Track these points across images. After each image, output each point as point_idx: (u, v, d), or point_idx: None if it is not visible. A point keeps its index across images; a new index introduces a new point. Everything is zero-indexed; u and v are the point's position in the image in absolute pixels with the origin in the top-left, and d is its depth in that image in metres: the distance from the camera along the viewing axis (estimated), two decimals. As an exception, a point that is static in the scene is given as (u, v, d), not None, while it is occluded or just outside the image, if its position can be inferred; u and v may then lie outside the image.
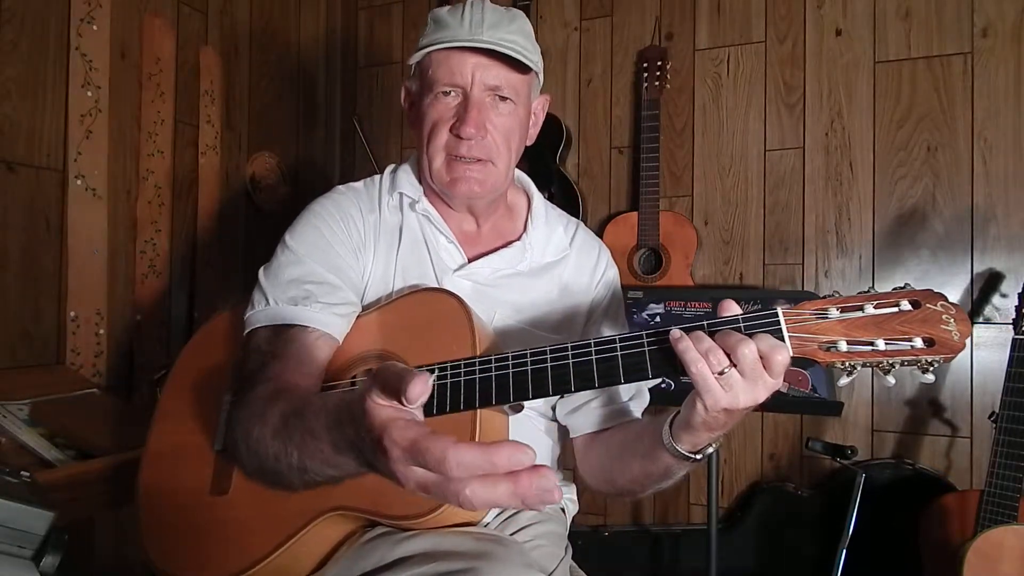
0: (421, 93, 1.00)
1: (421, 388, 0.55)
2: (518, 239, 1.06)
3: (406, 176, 1.06)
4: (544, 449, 1.08)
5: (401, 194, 1.04)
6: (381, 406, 0.58)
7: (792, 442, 2.01)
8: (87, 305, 1.55)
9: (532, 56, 0.98)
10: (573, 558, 1.03)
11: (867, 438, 1.93)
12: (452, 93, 0.96)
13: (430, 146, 0.98)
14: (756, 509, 1.97)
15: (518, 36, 0.97)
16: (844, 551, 1.59)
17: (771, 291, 1.99)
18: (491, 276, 1.03)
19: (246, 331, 0.94)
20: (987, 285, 1.82)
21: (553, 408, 1.07)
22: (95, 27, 1.56)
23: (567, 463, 1.17)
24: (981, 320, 1.82)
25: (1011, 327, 1.49)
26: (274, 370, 0.88)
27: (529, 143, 1.08)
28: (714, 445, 0.81)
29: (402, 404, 0.57)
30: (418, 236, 1.03)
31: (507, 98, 0.97)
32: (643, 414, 1.06)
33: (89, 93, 1.56)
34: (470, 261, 1.03)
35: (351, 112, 2.46)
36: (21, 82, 1.44)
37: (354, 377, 0.94)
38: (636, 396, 1.05)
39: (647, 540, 2.06)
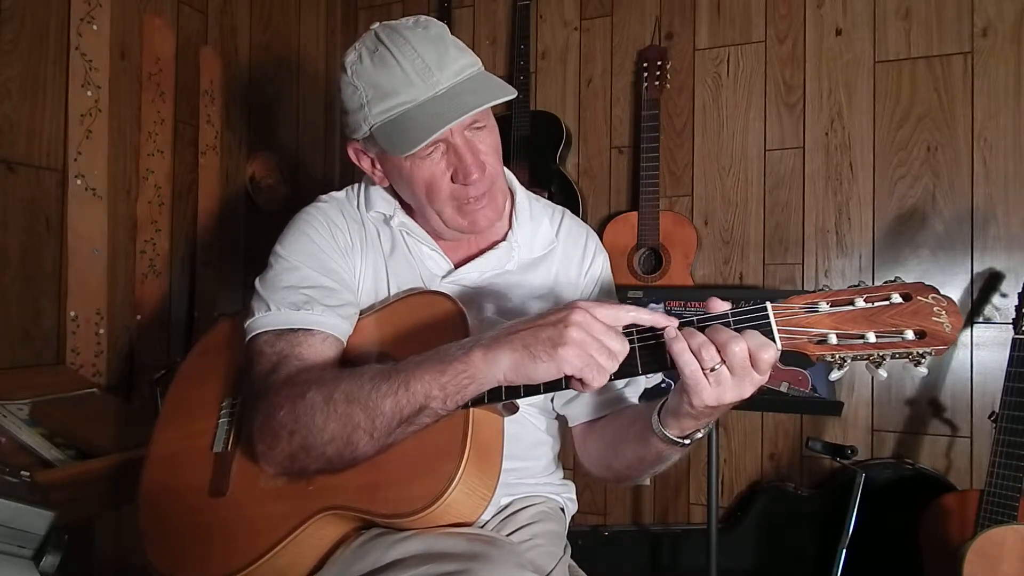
0: (390, 155, 0.93)
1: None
2: (503, 239, 1.05)
3: (378, 193, 1.05)
4: (543, 449, 1.08)
5: (379, 212, 1.04)
6: None
7: (792, 442, 2.01)
8: (87, 305, 1.55)
9: (479, 66, 0.94)
10: (573, 558, 1.03)
11: (867, 438, 1.93)
12: (434, 148, 0.92)
13: (434, 202, 0.95)
14: (756, 509, 1.96)
15: (461, 56, 0.92)
16: (844, 551, 1.58)
17: (771, 291, 1.99)
18: (479, 279, 1.03)
19: (248, 337, 0.93)
20: (987, 285, 1.82)
21: (552, 399, 1.07)
22: (95, 27, 1.56)
23: (567, 460, 1.17)
24: (981, 320, 1.82)
25: (1011, 327, 1.49)
26: (290, 369, 0.88)
27: None
28: (702, 431, 0.82)
29: None
30: (402, 248, 1.04)
31: (483, 125, 0.95)
32: (639, 399, 1.07)
33: (89, 93, 1.55)
34: (457, 266, 1.03)
35: (351, 112, 2.45)
36: (21, 82, 1.43)
37: None
38: (631, 383, 1.05)
39: (647, 540, 2.06)
